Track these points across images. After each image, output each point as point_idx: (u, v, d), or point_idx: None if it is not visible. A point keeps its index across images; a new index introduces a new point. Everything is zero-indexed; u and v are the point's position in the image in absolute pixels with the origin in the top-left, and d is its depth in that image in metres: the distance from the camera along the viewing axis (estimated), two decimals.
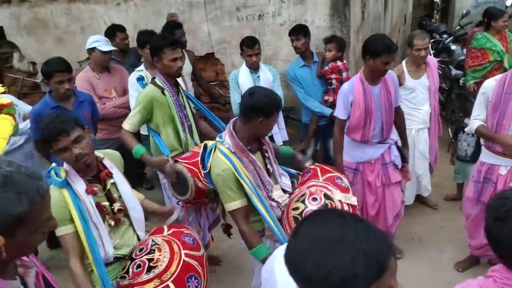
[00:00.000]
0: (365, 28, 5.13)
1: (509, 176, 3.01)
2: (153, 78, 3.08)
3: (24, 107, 3.65)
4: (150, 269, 1.92)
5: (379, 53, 2.93)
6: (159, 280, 1.89)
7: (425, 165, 3.97)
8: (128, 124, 3.04)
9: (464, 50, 6.45)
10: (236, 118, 2.41)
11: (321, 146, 4.46)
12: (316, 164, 2.73)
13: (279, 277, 1.28)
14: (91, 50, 4.00)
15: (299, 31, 4.02)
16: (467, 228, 3.36)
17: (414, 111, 3.79)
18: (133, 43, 4.63)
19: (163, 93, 3.01)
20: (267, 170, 2.45)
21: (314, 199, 2.23)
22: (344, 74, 4.03)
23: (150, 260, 1.94)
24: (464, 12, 7.40)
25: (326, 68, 4.03)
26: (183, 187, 2.82)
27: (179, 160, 2.88)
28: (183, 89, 3.23)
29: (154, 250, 1.99)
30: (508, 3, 6.50)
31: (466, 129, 3.42)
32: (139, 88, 3.28)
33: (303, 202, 2.26)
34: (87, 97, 3.53)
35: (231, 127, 2.34)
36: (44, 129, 2.04)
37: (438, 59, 4.97)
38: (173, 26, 4.32)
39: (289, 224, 2.26)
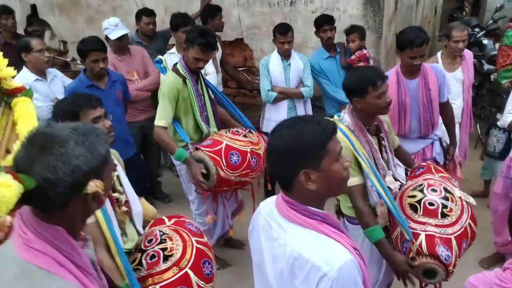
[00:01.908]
0: (398, 18, 5.04)
1: None
2: (175, 65, 3.07)
3: (67, 80, 3.73)
4: (166, 258, 1.91)
5: (402, 47, 2.88)
6: (177, 268, 1.89)
7: None
8: (163, 120, 2.93)
9: (497, 45, 6.30)
10: None
11: None
12: (428, 162, 2.68)
13: (262, 208, 1.50)
14: (106, 36, 3.98)
15: (331, 21, 3.98)
16: (494, 225, 3.33)
17: None
18: (163, 26, 4.66)
19: (185, 83, 3.00)
20: (382, 156, 2.39)
21: (434, 190, 2.20)
22: (371, 61, 4.03)
23: (163, 249, 1.93)
24: (498, 6, 7.21)
25: (353, 57, 4.00)
26: (204, 175, 2.86)
27: (201, 147, 2.91)
28: (203, 77, 3.22)
29: (165, 240, 1.97)
30: None
31: (499, 123, 3.36)
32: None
33: (421, 191, 2.22)
34: (120, 77, 3.58)
35: (351, 107, 2.31)
36: (79, 97, 2.05)
37: None
38: (216, 9, 4.37)
39: (403, 211, 2.22)
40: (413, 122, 3.12)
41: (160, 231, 2.03)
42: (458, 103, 3.75)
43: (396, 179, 2.41)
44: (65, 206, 1.09)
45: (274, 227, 1.37)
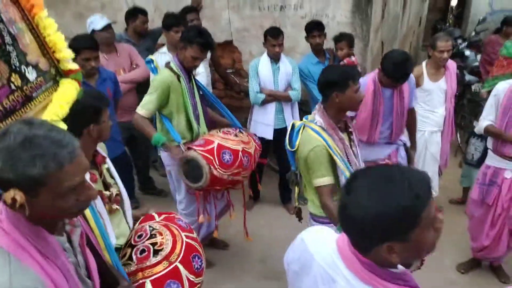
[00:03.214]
0: (384, 27, 5.16)
1: None
2: (168, 63, 3.09)
3: None
4: (156, 252, 1.92)
5: (387, 74, 2.98)
6: (167, 262, 1.90)
7: (434, 167, 4.02)
8: (144, 110, 2.98)
9: (478, 56, 6.49)
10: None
11: None
12: (387, 160, 2.76)
13: (313, 249, 1.31)
14: (92, 33, 3.90)
15: (321, 27, 4.05)
16: (470, 230, 3.44)
17: (429, 113, 3.84)
18: (152, 25, 4.66)
19: (179, 80, 3.03)
20: (352, 151, 2.47)
21: None
22: (359, 68, 4.10)
23: (153, 244, 1.94)
24: (481, 18, 7.43)
25: (341, 63, 4.08)
26: (196, 174, 2.87)
27: (193, 147, 2.93)
28: (194, 77, 3.24)
29: (155, 235, 1.98)
30: None
31: (475, 130, 3.47)
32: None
33: None
34: (110, 74, 3.57)
35: (322, 106, 2.38)
36: (99, 95, 2.05)
37: None
38: (186, 10, 4.35)
39: None
40: (384, 129, 3.21)
41: (150, 226, 2.04)
42: (441, 112, 3.86)
43: None
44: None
45: (342, 284, 1.18)
